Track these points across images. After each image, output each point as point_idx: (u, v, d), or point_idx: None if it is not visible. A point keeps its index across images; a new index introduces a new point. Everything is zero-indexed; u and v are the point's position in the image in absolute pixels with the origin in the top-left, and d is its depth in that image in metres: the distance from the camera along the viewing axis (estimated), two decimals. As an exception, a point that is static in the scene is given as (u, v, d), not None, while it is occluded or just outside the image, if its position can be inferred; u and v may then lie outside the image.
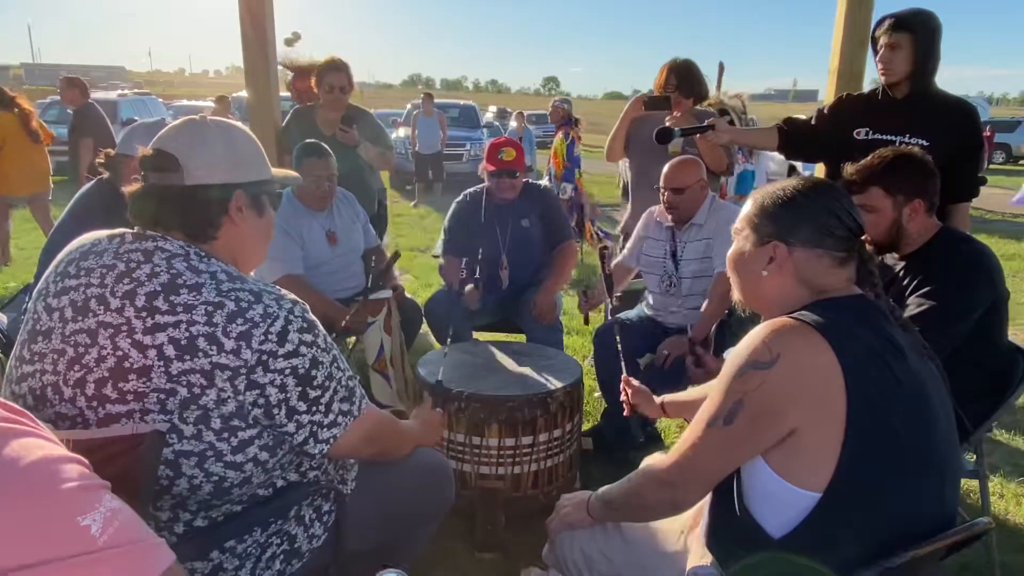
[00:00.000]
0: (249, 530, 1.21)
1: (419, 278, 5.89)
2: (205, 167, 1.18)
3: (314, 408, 1.16)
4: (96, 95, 16.54)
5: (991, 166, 17.86)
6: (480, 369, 2.46)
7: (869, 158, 1.98)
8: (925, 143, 2.38)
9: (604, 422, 2.93)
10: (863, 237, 1.24)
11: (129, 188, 1.20)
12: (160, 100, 16.81)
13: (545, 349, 2.75)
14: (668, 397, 1.80)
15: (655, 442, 2.93)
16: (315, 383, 1.15)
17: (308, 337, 1.14)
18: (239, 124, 1.29)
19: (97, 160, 2.23)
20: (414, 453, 1.56)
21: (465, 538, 2.21)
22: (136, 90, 21.76)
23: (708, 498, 1.27)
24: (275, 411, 1.12)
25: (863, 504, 1.08)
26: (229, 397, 1.08)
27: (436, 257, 3.29)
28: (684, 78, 3.17)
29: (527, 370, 2.45)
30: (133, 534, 0.73)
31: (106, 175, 2.19)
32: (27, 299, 2.13)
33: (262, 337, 1.09)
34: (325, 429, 1.18)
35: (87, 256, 1.17)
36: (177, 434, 1.07)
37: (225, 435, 1.09)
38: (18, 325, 2.10)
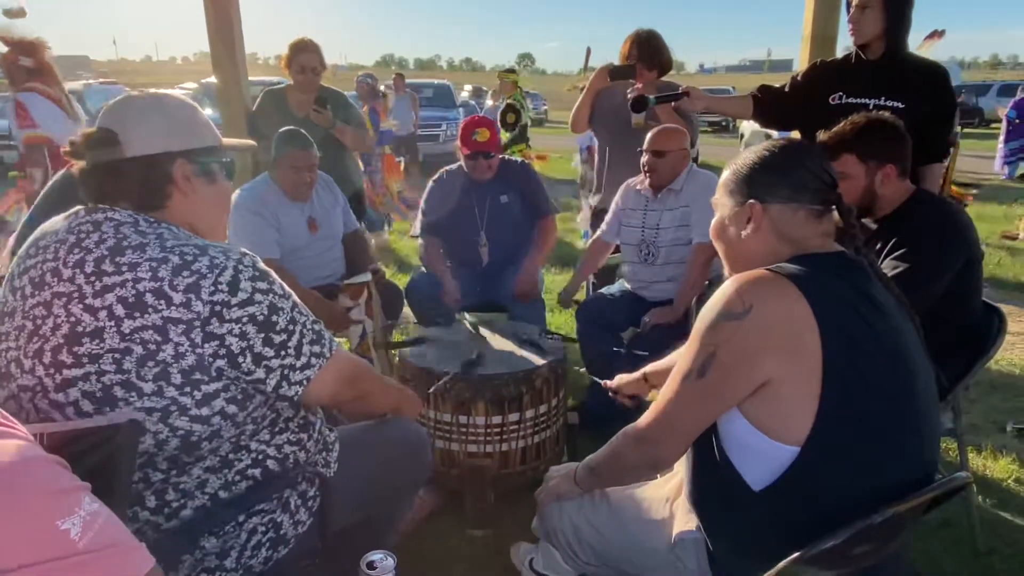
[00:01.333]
0: (232, 518, 1.20)
1: (399, 261, 5.85)
2: (142, 138, 1.18)
3: (283, 352, 1.16)
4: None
5: (966, 130, 18.07)
6: (464, 349, 2.45)
7: (841, 125, 1.99)
8: (900, 106, 2.39)
9: (589, 396, 2.95)
10: (839, 191, 1.25)
11: (75, 168, 1.21)
12: (127, 88, 16.43)
13: (528, 326, 2.75)
14: (649, 368, 1.81)
15: (639, 413, 2.95)
16: (277, 328, 1.15)
17: (262, 285, 1.14)
18: (175, 93, 1.30)
19: (63, 150, 2.18)
20: (391, 425, 1.58)
21: (455, 516, 2.22)
22: (102, 79, 21.21)
23: (690, 458, 1.28)
24: (240, 359, 1.11)
25: (843, 458, 1.09)
26: (187, 351, 1.07)
27: (415, 237, 3.26)
28: (646, 49, 3.17)
29: (511, 347, 2.45)
30: (113, 538, 0.72)
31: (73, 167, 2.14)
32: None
33: (212, 288, 1.09)
34: (298, 371, 1.18)
35: (45, 235, 1.18)
36: (136, 392, 1.07)
37: (187, 389, 1.09)
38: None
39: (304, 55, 3.38)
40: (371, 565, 0.98)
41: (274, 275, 1.18)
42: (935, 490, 1.13)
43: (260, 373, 1.14)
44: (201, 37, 3.67)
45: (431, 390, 2.17)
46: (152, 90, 1.27)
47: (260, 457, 1.24)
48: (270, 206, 2.83)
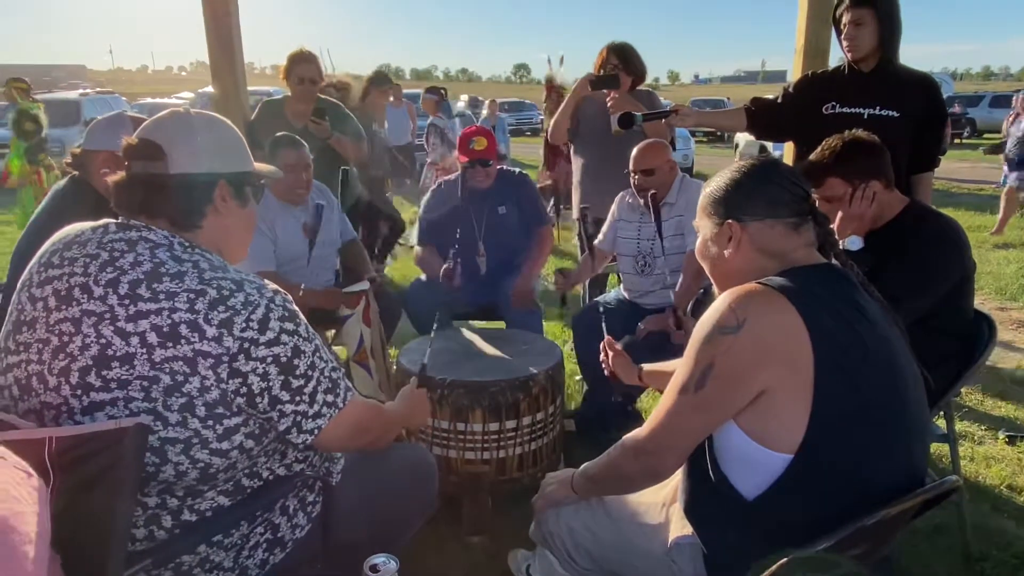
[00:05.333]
0: (236, 524, 1.22)
1: (397, 269, 5.87)
2: (190, 156, 1.19)
3: (298, 398, 1.16)
4: (57, 95, 16.17)
5: (958, 140, 18.22)
6: (461, 356, 2.47)
7: (819, 150, 2.02)
8: (894, 115, 2.42)
9: (586, 404, 2.97)
10: (813, 200, 1.28)
11: (113, 178, 1.20)
12: (123, 98, 16.47)
13: (525, 334, 2.76)
14: (647, 366, 1.84)
15: (635, 421, 2.97)
16: (297, 372, 1.15)
17: (289, 326, 1.14)
18: (222, 117, 1.31)
19: (65, 161, 2.21)
20: (401, 450, 1.59)
21: (453, 522, 2.22)
22: (99, 89, 21.28)
23: (683, 470, 1.30)
24: (258, 400, 1.12)
25: (834, 465, 1.11)
26: (212, 385, 1.08)
27: (412, 248, 3.29)
28: (624, 57, 3.23)
29: (508, 355, 2.47)
30: None
31: (76, 173, 2.15)
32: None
33: (243, 325, 1.09)
34: (309, 420, 1.19)
35: (70, 246, 1.17)
36: (162, 421, 1.07)
37: (210, 422, 1.10)
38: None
39: (302, 66, 3.42)
40: (374, 568, 0.99)
41: (301, 316, 1.19)
42: (926, 493, 1.15)
43: (274, 415, 1.15)
44: (197, 47, 3.71)
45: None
46: (200, 110, 1.28)
47: (271, 478, 1.26)
48: (266, 216, 2.84)
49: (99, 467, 0.84)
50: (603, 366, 1.96)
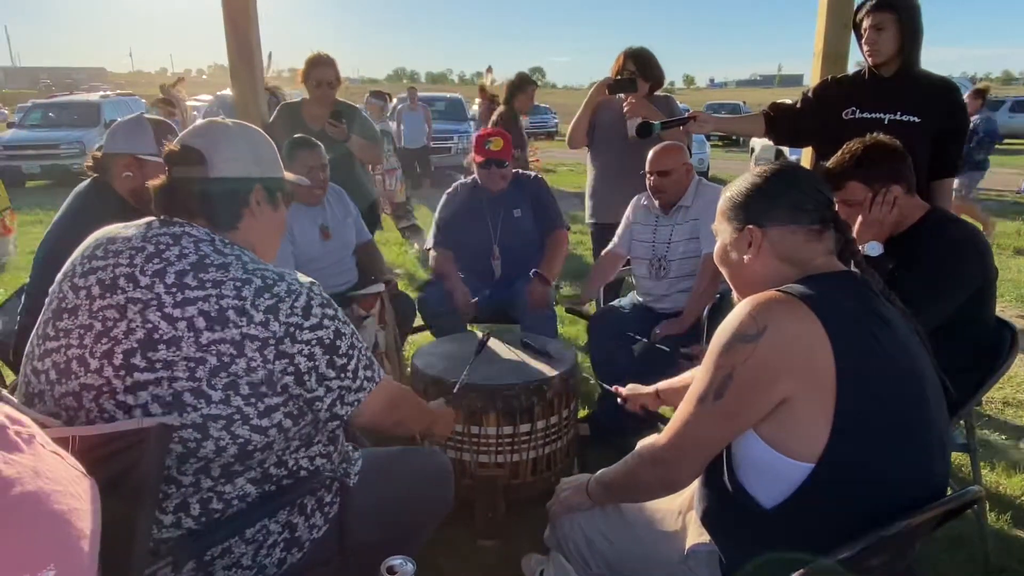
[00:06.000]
0: (260, 517, 1.24)
1: (412, 272, 5.89)
2: (228, 161, 1.27)
3: (342, 374, 1.25)
4: (79, 97, 16.38)
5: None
6: (476, 359, 2.46)
7: (840, 153, 2.00)
8: (915, 120, 2.40)
9: (600, 408, 2.96)
10: (834, 207, 1.27)
11: (155, 182, 1.27)
12: (143, 100, 16.65)
13: (539, 337, 2.76)
14: (662, 384, 1.81)
15: (651, 427, 2.95)
16: (340, 352, 1.24)
17: (330, 311, 1.23)
18: (255, 126, 1.38)
19: (86, 164, 2.24)
20: (417, 453, 1.64)
21: (465, 526, 2.22)
22: (118, 91, 21.57)
23: (699, 479, 1.29)
24: (306, 378, 1.19)
25: (855, 474, 1.10)
26: (259, 366, 1.14)
27: (427, 250, 3.29)
28: (641, 63, 3.23)
29: (522, 358, 2.47)
30: None
31: (97, 175, 2.18)
32: (20, 302, 2.13)
33: (288, 311, 1.17)
34: (352, 393, 1.27)
35: (114, 240, 1.22)
36: (205, 399, 1.12)
37: (252, 400, 1.15)
38: (10, 329, 2.09)
39: (320, 69, 3.44)
40: (391, 570, 1.00)
41: (335, 303, 1.27)
42: (947, 503, 1.14)
43: (320, 391, 1.23)
44: (216, 50, 3.74)
45: (446, 402, 2.18)
46: (237, 121, 1.36)
47: (295, 469, 1.29)
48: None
49: (122, 467, 0.85)
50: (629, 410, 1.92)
